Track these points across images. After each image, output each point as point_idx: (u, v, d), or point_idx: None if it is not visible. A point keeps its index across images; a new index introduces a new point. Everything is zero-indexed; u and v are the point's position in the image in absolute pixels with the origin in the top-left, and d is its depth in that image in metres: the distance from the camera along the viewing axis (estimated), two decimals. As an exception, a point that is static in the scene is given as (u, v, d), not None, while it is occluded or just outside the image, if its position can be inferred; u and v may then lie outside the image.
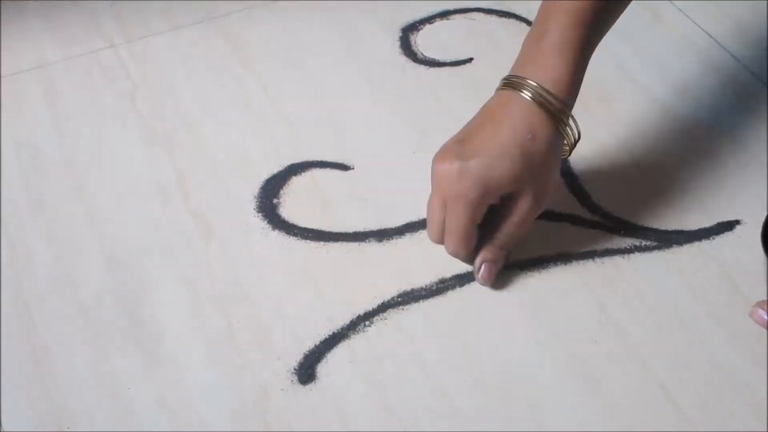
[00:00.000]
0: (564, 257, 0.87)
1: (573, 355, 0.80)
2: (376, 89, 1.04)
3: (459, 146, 0.81)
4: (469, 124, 0.84)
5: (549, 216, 0.90)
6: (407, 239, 0.89)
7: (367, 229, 0.90)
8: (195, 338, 0.82)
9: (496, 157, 0.79)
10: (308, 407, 0.77)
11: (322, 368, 0.80)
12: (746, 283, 0.85)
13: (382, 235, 0.89)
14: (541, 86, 0.80)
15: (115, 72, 1.06)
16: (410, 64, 1.07)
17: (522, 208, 0.81)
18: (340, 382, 0.79)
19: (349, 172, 0.95)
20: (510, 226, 0.82)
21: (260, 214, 0.91)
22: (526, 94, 0.80)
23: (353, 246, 0.88)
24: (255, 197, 0.93)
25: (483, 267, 0.83)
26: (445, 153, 0.82)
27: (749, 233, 0.89)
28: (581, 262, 0.87)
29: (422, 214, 0.89)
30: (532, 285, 0.85)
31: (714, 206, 0.91)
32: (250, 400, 0.78)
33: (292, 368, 0.80)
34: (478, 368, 0.79)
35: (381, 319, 0.83)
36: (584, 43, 0.82)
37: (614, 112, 1.00)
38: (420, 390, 0.78)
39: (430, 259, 0.86)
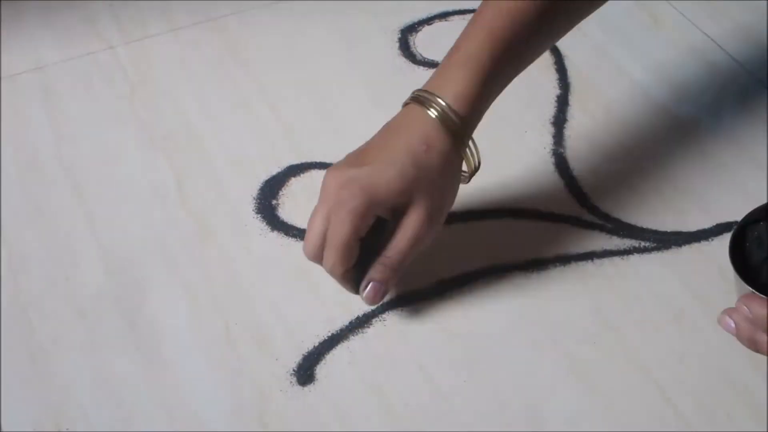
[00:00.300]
0: (563, 258, 0.87)
1: (571, 356, 0.80)
2: (374, 90, 1.04)
3: (353, 157, 0.79)
4: (368, 140, 0.81)
5: (548, 217, 0.90)
6: (406, 241, 0.89)
7: (366, 230, 0.90)
8: (193, 340, 0.82)
9: (386, 164, 0.76)
10: (307, 409, 0.77)
11: (321, 370, 0.80)
12: (745, 284, 0.85)
13: (381, 236, 0.89)
14: (442, 100, 0.78)
15: (114, 73, 1.06)
16: (409, 66, 1.07)
17: (413, 222, 0.77)
18: (339, 384, 0.79)
19: (348, 173, 0.95)
20: (401, 242, 0.78)
21: (259, 216, 0.91)
22: (427, 107, 0.78)
23: (352, 247, 0.88)
24: (254, 198, 0.93)
25: (369, 287, 0.78)
26: (337, 164, 0.79)
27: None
28: (580, 263, 0.87)
29: (421, 216, 0.90)
30: (530, 286, 0.85)
31: (713, 207, 0.91)
32: (248, 402, 0.78)
33: (291, 370, 0.80)
34: (476, 369, 0.79)
35: (380, 321, 0.83)
36: (494, 64, 0.79)
37: (612, 114, 1.00)
38: (419, 391, 0.78)
39: (428, 260, 0.86)
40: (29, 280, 0.86)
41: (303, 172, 0.95)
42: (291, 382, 0.79)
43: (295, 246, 0.88)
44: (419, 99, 0.79)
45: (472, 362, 0.80)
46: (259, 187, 0.94)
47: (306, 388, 0.78)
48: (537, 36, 0.83)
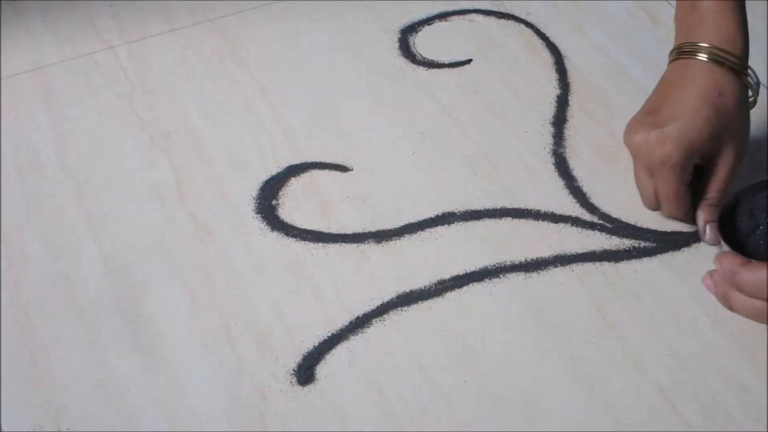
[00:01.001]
0: (562, 258, 0.87)
1: (571, 356, 0.80)
2: (374, 91, 1.04)
3: (649, 117, 0.85)
4: (651, 97, 0.88)
5: (548, 217, 0.90)
6: (406, 240, 0.89)
7: (366, 231, 0.90)
8: (193, 340, 0.82)
9: (691, 117, 0.82)
10: (307, 408, 0.77)
11: (321, 369, 0.80)
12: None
13: (381, 236, 0.89)
14: (714, 46, 0.84)
15: (114, 73, 1.06)
16: (409, 66, 1.07)
17: (727, 162, 0.84)
18: (339, 384, 0.79)
19: (348, 173, 0.95)
20: (720, 183, 0.85)
21: (259, 216, 0.91)
22: (702, 57, 0.84)
23: (352, 247, 0.88)
24: (254, 198, 0.93)
25: (708, 229, 0.86)
26: (636, 125, 0.85)
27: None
28: (580, 263, 0.87)
29: (421, 215, 0.90)
30: (530, 286, 0.85)
31: (713, 207, 0.91)
32: (248, 402, 0.78)
33: (291, 369, 0.80)
34: (476, 370, 0.79)
35: (380, 321, 0.83)
36: (741, 6, 0.86)
37: (613, 114, 1.00)
38: (419, 391, 0.78)
39: (428, 260, 0.86)
40: (29, 280, 0.86)
41: (303, 173, 0.95)
42: (291, 382, 0.79)
43: (296, 246, 0.88)
44: (690, 52, 0.85)
45: (472, 362, 0.80)
46: (259, 187, 0.94)
47: (306, 388, 0.78)
48: None
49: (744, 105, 0.85)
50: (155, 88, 1.04)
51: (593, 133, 0.98)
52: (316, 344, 0.81)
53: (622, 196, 0.92)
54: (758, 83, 0.87)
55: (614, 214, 0.91)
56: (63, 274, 0.86)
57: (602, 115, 1.00)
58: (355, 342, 0.81)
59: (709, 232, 0.86)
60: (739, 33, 0.85)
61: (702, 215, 0.86)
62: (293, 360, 0.80)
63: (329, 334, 0.82)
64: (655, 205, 0.87)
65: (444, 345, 0.81)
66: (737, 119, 0.85)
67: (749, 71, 0.85)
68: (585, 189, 0.93)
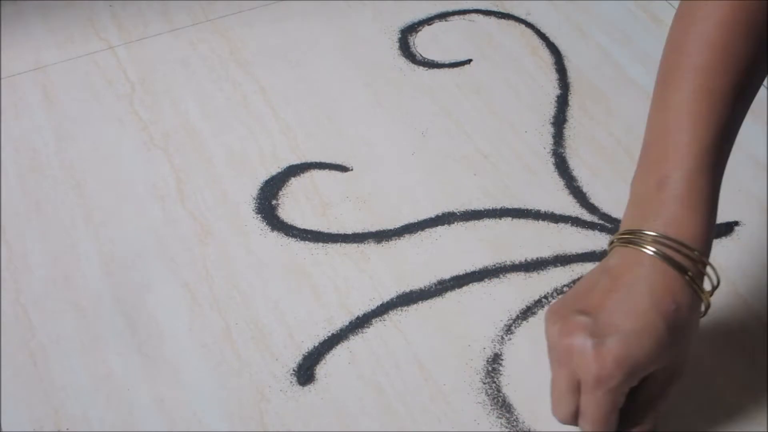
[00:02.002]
0: (562, 259, 0.87)
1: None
2: (374, 91, 1.04)
3: (587, 319, 0.67)
4: (586, 287, 0.70)
5: (548, 217, 0.90)
6: (406, 241, 0.89)
7: (366, 231, 0.90)
8: (193, 340, 0.82)
9: (639, 333, 0.66)
10: (307, 408, 0.77)
11: (321, 369, 0.80)
12: (746, 285, 0.85)
13: (381, 236, 0.89)
14: (672, 242, 0.68)
15: (113, 74, 1.06)
16: (409, 66, 1.07)
17: (670, 383, 0.70)
18: (339, 384, 0.79)
19: (348, 173, 0.95)
20: (661, 406, 0.71)
21: (259, 216, 0.91)
22: (652, 251, 0.68)
23: (352, 247, 0.88)
24: (254, 198, 0.93)
25: None
26: (569, 326, 0.68)
27: (748, 235, 0.89)
28: (580, 263, 0.87)
29: (421, 215, 0.90)
30: (530, 286, 0.85)
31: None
32: (248, 402, 0.78)
33: (291, 369, 0.80)
34: (475, 369, 0.79)
35: (380, 321, 0.83)
36: (713, 187, 0.69)
37: (612, 114, 1.00)
38: (419, 391, 0.78)
39: (428, 260, 0.86)
40: (29, 280, 0.86)
41: (303, 173, 0.95)
42: (291, 381, 0.79)
43: (295, 246, 0.88)
44: (642, 243, 0.68)
45: (471, 362, 0.80)
46: (259, 187, 0.94)
47: (306, 388, 0.79)
48: (734, 127, 0.71)
49: (697, 319, 0.70)
50: (155, 88, 1.04)
51: (593, 133, 0.98)
52: (316, 344, 0.81)
53: (623, 196, 0.91)
54: (716, 286, 0.70)
55: (614, 214, 0.91)
56: (63, 274, 0.86)
57: (602, 115, 1.00)
58: (355, 342, 0.81)
59: None
60: (706, 232, 0.69)
61: None
62: (293, 360, 0.80)
63: (329, 334, 0.82)
64: (571, 421, 0.70)
65: (444, 345, 0.81)
66: (686, 336, 0.69)
67: (711, 272, 0.69)
68: (585, 189, 0.93)
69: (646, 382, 0.69)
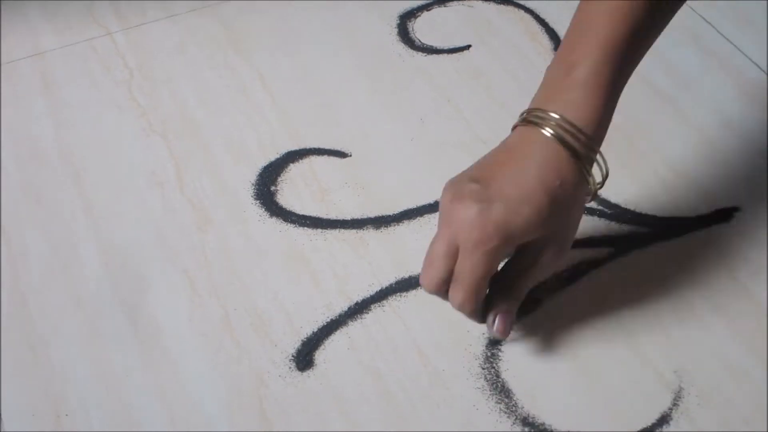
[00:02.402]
0: (562, 244, 0.87)
1: (570, 342, 0.80)
2: (373, 76, 1.03)
3: (477, 187, 0.71)
4: (485, 161, 0.75)
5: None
6: (405, 226, 0.89)
7: (365, 217, 0.90)
8: (192, 327, 0.82)
9: (521, 201, 0.70)
10: (306, 394, 0.77)
11: (320, 355, 0.80)
12: (745, 271, 0.85)
13: (380, 222, 0.89)
14: (568, 125, 0.72)
15: (112, 60, 1.06)
16: (408, 51, 1.06)
17: (545, 258, 0.74)
18: (338, 369, 0.79)
19: (347, 159, 0.95)
20: (529, 278, 0.76)
21: (258, 202, 0.91)
22: (549, 133, 0.72)
23: (351, 233, 0.88)
24: (252, 185, 0.93)
25: (498, 319, 0.75)
26: (461, 192, 0.72)
27: (748, 220, 0.89)
28: (579, 249, 0.87)
29: (420, 201, 0.90)
30: (530, 272, 0.85)
31: (712, 193, 0.91)
32: (247, 388, 0.78)
33: (290, 355, 0.80)
34: (474, 354, 0.79)
35: (379, 306, 0.83)
36: (616, 81, 0.73)
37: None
38: (417, 376, 0.78)
39: (427, 246, 0.86)
40: (28, 269, 0.86)
41: (301, 159, 0.95)
42: (290, 367, 0.79)
43: (294, 232, 0.88)
44: (540, 122, 0.72)
45: (470, 347, 0.80)
46: (257, 173, 0.93)
47: (305, 374, 0.79)
48: (648, 34, 0.76)
49: (581, 199, 0.74)
50: (153, 74, 1.04)
51: (592, 119, 0.97)
52: (315, 330, 0.81)
53: (621, 182, 0.92)
54: (605, 177, 0.75)
55: (613, 200, 0.90)
56: (62, 264, 0.86)
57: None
58: (354, 328, 0.81)
59: (498, 323, 0.76)
60: (600, 117, 0.72)
61: (497, 305, 0.76)
62: (292, 346, 0.80)
63: (328, 320, 0.82)
64: (440, 287, 0.74)
65: (443, 330, 0.81)
66: (570, 214, 0.74)
67: (599, 159, 0.74)
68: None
69: (521, 252, 0.74)
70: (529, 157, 0.72)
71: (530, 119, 0.73)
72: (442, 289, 0.74)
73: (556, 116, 0.72)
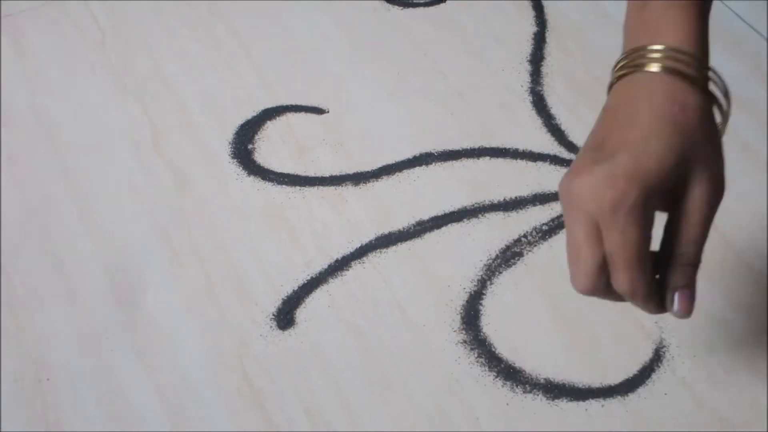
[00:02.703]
0: (541, 197, 0.86)
1: (553, 295, 0.80)
2: (349, 31, 1.02)
3: (593, 153, 0.59)
4: (591, 134, 0.62)
5: (526, 156, 0.89)
6: (384, 182, 0.88)
7: (343, 173, 0.89)
8: (173, 288, 0.81)
9: (645, 140, 0.58)
10: (287, 352, 0.77)
11: (300, 313, 0.79)
12: (723, 220, 0.84)
13: (359, 178, 0.89)
14: (667, 49, 0.61)
15: (85, 22, 1.04)
16: (384, 5, 1.05)
17: (701, 200, 0.60)
18: (319, 327, 0.79)
19: (324, 115, 0.94)
20: (696, 230, 0.60)
21: (235, 161, 0.90)
22: (653, 68, 0.61)
23: (330, 190, 0.88)
24: (229, 143, 0.92)
25: (677, 297, 0.61)
26: (577, 166, 0.59)
27: (740, 184, 0.88)
28: (559, 202, 0.86)
29: (399, 157, 0.90)
30: (509, 226, 0.85)
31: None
32: (229, 347, 0.77)
33: (271, 314, 0.79)
34: (456, 309, 0.79)
35: (359, 263, 0.82)
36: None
37: (590, 50, 0.99)
38: (398, 332, 0.78)
39: (406, 201, 0.86)
40: (5, 232, 0.85)
41: (279, 116, 0.94)
42: (271, 326, 0.79)
43: (272, 190, 0.88)
44: (638, 64, 0.62)
45: (450, 302, 0.80)
46: (234, 132, 0.93)
47: (286, 332, 0.78)
48: None
49: (712, 121, 0.62)
50: (127, 35, 1.03)
51: (571, 70, 0.97)
52: (296, 288, 0.81)
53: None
54: (727, 94, 0.62)
55: (592, 151, 0.90)
56: (39, 226, 0.86)
57: (580, 51, 0.99)
58: (334, 285, 0.81)
59: (680, 301, 0.61)
60: (696, 31, 0.62)
61: (670, 279, 0.61)
62: (273, 305, 0.80)
63: (308, 278, 0.82)
64: (597, 283, 0.60)
65: (423, 286, 0.81)
66: (707, 140, 0.61)
67: (715, 76, 0.61)
68: (563, 127, 0.92)
69: (674, 205, 0.61)
70: (636, 99, 0.61)
71: (624, 66, 0.63)
72: (601, 283, 0.60)
73: (653, 49, 0.61)
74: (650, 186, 0.58)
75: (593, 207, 0.57)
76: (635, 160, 0.57)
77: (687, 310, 0.61)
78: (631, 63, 0.62)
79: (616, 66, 0.64)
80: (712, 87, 0.61)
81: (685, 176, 0.59)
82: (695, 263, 0.61)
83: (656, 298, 0.61)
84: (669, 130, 0.59)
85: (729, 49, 0.99)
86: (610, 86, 0.64)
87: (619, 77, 0.63)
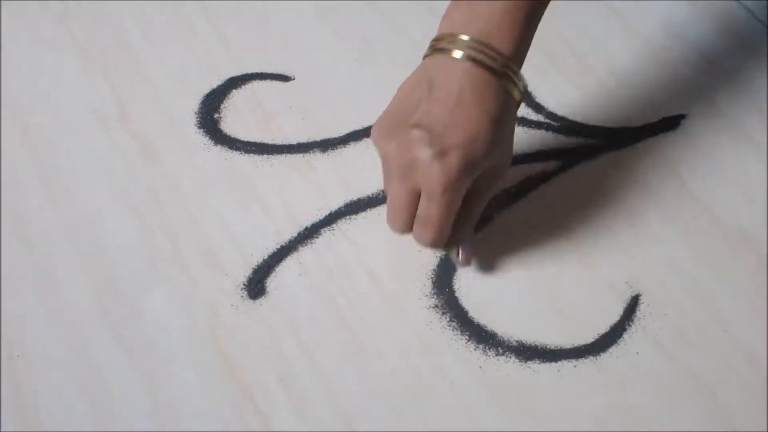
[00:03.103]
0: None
1: (523, 258, 0.80)
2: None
3: (423, 132, 0.71)
4: (412, 99, 0.74)
5: (494, 119, 0.89)
6: (351, 148, 0.88)
7: (311, 140, 0.89)
8: (142, 261, 0.81)
9: (474, 138, 0.71)
10: (259, 322, 0.77)
11: (271, 282, 0.79)
12: (694, 178, 0.85)
13: (326, 145, 0.88)
14: (476, 41, 0.72)
15: (46, -7, 1.03)
16: (350, -28, 1.05)
17: (495, 180, 0.77)
18: (291, 295, 0.78)
19: (290, 83, 0.93)
20: (483, 202, 0.78)
21: (201, 131, 0.90)
22: (458, 54, 0.72)
23: (297, 158, 0.87)
24: (195, 113, 0.91)
25: (461, 251, 0.78)
26: (409, 140, 0.72)
27: (695, 128, 0.89)
28: (528, 164, 0.86)
29: (366, 122, 0.89)
30: (479, 189, 0.84)
31: (659, 102, 0.91)
32: (201, 319, 0.77)
33: (242, 284, 0.79)
34: (427, 274, 0.79)
35: (328, 230, 0.82)
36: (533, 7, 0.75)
37: (558, 14, 0.98)
38: (370, 299, 0.78)
39: (375, 167, 0.85)
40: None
41: (244, 84, 0.93)
42: (242, 296, 0.78)
43: (240, 159, 0.87)
44: (447, 49, 0.73)
45: (422, 267, 0.80)
46: (200, 102, 0.92)
47: (257, 302, 0.78)
48: None
49: (514, 118, 0.76)
50: (89, 7, 1.01)
51: (539, 33, 0.96)
52: (266, 257, 0.81)
53: (568, 94, 0.91)
54: (523, 92, 0.75)
55: (560, 113, 0.90)
56: (7, 205, 0.85)
57: (548, 15, 0.98)
58: (304, 253, 0.81)
59: (462, 255, 0.78)
60: (513, 29, 0.73)
61: (457, 236, 0.77)
62: (243, 274, 0.80)
63: (278, 246, 0.81)
64: (407, 228, 0.75)
65: (394, 252, 0.81)
66: (510, 130, 0.76)
67: (513, 75, 0.74)
68: (530, 88, 0.92)
69: (476, 180, 0.74)
70: (457, 89, 0.72)
71: (442, 47, 0.74)
72: (410, 230, 0.75)
73: (468, 39, 0.72)
74: (473, 174, 0.73)
75: (424, 184, 0.72)
76: (467, 156, 0.71)
77: (468, 260, 0.78)
78: (440, 49, 0.73)
79: (431, 43, 0.75)
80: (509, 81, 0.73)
81: (491, 161, 0.74)
82: (473, 224, 0.78)
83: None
84: (492, 128, 0.72)
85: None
86: (425, 57, 0.76)
87: (431, 53, 0.75)
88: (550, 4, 0.96)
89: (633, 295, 0.78)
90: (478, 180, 0.74)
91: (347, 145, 0.88)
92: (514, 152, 0.83)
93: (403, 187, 0.73)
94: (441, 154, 0.70)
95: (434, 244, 0.75)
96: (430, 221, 0.73)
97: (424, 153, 0.71)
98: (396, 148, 0.73)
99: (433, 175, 0.71)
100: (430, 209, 0.72)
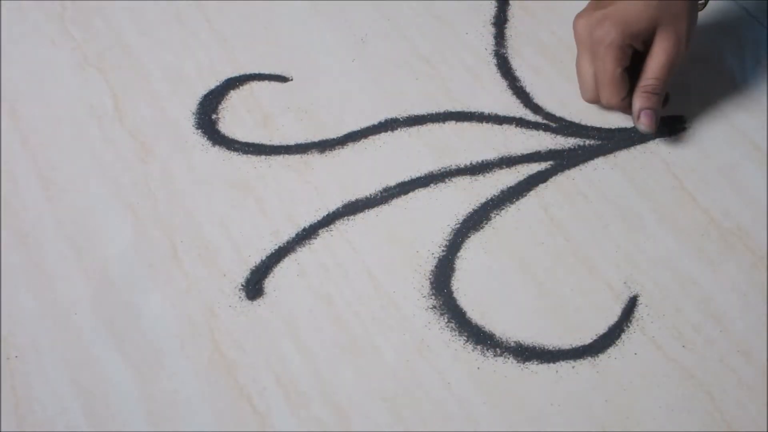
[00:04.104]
0: (508, 160, 0.86)
1: (520, 257, 0.80)
2: (312, -2, 1.02)
3: (595, 3, 0.86)
4: None
5: (491, 119, 0.89)
6: (349, 149, 0.88)
7: (309, 141, 0.89)
8: (140, 260, 0.81)
9: (632, 2, 0.84)
10: (257, 323, 0.77)
11: (269, 283, 0.79)
12: (691, 179, 0.85)
13: (324, 146, 0.88)
14: None
15: (43, -8, 1.03)
16: (347, -30, 1.04)
17: (664, 49, 0.84)
18: (288, 296, 0.78)
19: (288, 83, 0.93)
20: (656, 69, 0.85)
21: (199, 131, 0.90)
22: None
23: (295, 158, 0.87)
24: (193, 114, 0.91)
25: (642, 114, 0.85)
26: (583, 12, 0.87)
27: (693, 128, 0.89)
28: (526, 164, 0.86)
29: (364, 123, 0.89)
30: (476, 189, 0.84)
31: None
32: (198, 320, 0.77)
33: (239, 285, 0.79)
34: (425, 275, 0.79)
35: (326, 231, 0.82)
36: None
37: (554, 12, 0.99)
38: (368, 300, 0.78)
39: (373, 167, 0.86)
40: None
41: (242, 85, 0.93)
42: (240, 297, 0.78)
43: (238, 160, 0.87)
44: None
45: (419, 268, 0.80)
46: (198, 102, 0.92)
47: (255, 303, 0.78)
48: None
49: (689, 12, 0.86)
50: (86, 5, 1.01)
51: (535, 32, 0.97)
52: (264, 258, 0.81)
53: (566, 95, 0.91)
54: (704, 3, 0.89)
55: (558, 113, 0.90)
56: (5, 204, 0.85)
57: (543, 13, 0.99)
58: (302, 254, 0.81)
59: (643, 118, 0.85)
60: None
61: (636, 101, 0.85)
62: (241, 275, 0.80)
63: (276, 247, 0.81)
64: (593, 95, 0.87)
65: (392, 252, 0.81)
66: (680, 7, 0.85)
67: None
68: (528, 89, 0.92)
69: (648, 50, 0.85)
70: None
71: None
72: (596, 96, 0.87)
73: None
74: (627, 31, 0.84)
75: (588, 41, 0.85)
76: (619, 11, 0.84)
77: (651, 126, 0.86)
78: None
79: None
80: None
81: (654, 31, 0.84)
82: (656, 92, 0.85)
83: (629, 111, 0.87)
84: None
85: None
86: None
87: None
88: (550, 4, 0.97)
89: (631, 295, 0.78)
90: (649, 49, 0.85)
91: (345, 146, 0.88)
92: (509, 153, 0.85)
93: (580, 54, 0.87)
94: (600, 14, 0.84)
95: (609, 102, 0.87)
96: (599, 78, 0.86)
97: (587, 17, 0.85)
98: (585, 25, 0.85)
99: (592, 34, 0.85)
100: (597, 68, 0.85)
